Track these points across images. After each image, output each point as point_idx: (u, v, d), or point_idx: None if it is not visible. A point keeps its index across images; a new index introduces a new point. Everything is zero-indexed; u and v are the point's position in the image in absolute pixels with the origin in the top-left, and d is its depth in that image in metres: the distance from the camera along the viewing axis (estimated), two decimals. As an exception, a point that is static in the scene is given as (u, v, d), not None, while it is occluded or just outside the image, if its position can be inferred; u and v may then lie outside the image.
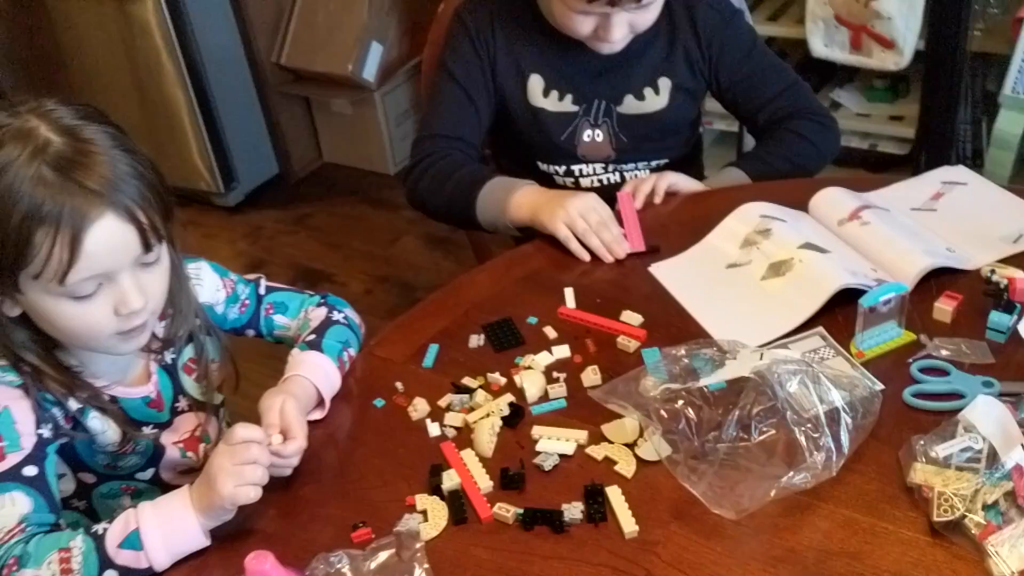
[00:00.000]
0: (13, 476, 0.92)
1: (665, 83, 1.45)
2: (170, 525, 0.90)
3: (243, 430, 0.91)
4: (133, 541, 0.88)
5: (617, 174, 1.50)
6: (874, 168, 2.39)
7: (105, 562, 0.88)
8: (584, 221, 1.25)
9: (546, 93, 1.45)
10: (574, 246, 1.25)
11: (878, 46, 2.16)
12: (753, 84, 1.46)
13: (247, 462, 0.89)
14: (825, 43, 2.23)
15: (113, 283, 0.92)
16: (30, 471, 0.93)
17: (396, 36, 2.91)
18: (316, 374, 1.04)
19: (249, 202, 2.97)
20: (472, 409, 1.05)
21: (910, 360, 1.03)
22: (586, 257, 1.25)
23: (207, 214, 2.92)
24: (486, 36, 1.44)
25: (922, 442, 0.89)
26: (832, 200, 1.24)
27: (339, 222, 2.87)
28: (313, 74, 2.91)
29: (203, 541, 0.91)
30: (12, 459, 0.93)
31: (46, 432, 0.96)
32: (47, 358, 0.98)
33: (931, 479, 0.87)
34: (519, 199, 1.31)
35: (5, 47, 3.08)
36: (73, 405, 0.99)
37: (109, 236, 0.89)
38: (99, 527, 0.90)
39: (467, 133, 1.44)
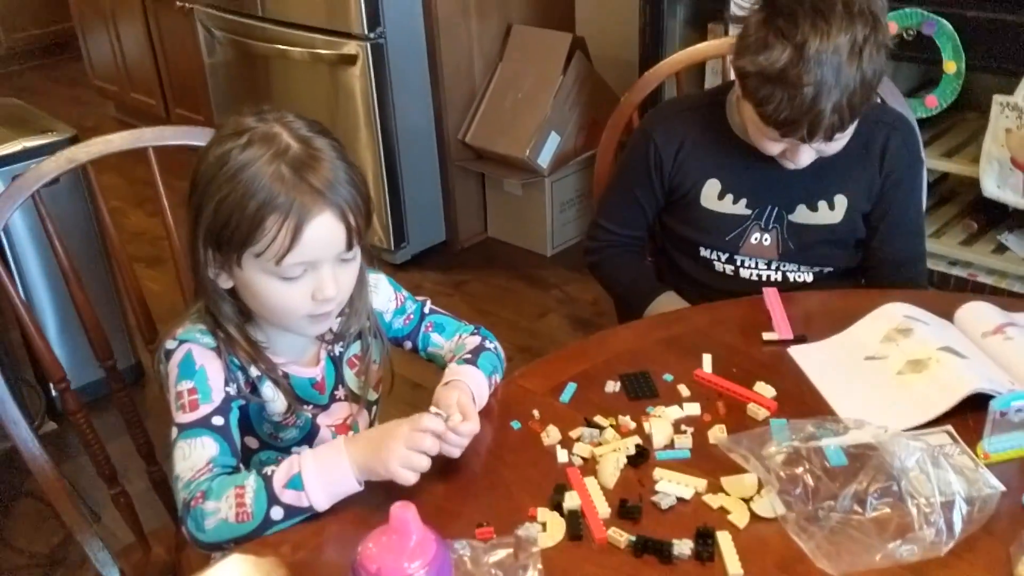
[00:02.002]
0: (205, 423, 1.08)
1: (842, 200, 1.50)
2: (328, 471, 1.02)
3: (429, 420, 1.03)
4: (296, 483, 1.01)
5: (779, 274, 1.55)
6: (1035, 316, 2.34)
7: (272, 499, 1.01)
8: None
9: (721, 196, 1.53)
10: None
11: (1052, 193, 2.15)
12: (891, 236, 1.53)
13: (420, 450, 1.01)
14: (998, 184, 2.23)
15: (316, 272, 1.07)
16: (218, 420, 1.08)
17: (573, 129, 3.08)
18: (473, 383, 1.16)
19: (415, 262, 3.17)
20: (600, 444, 1.12)
21: (1037, 469, 1.05)
22: None
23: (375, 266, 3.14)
24: (670, 153, 1.54)
25: (1036, 537, 0.91)
26: (979, 313, 1.27)
27: (493, 292, 3.02)
28: (492, 154, 3.11)
29: (356, 487, 1.03)
30: (205, 409, 1.08)
31: (232, 390, 1.12)
32: (241, 330, 1.13)
33: (1041, 575, 0.89)
34: None
35: (225, 95, 3.45)
36: (253, 372, 1.14)
37: (324, 230, 1.05)
38: (268, 469, 1.03)
39: (635, 228, 1.64)
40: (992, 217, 2.45)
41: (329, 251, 1.07)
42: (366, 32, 2.80)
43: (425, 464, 1.02)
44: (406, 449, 1.01)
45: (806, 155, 1.40)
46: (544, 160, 3.02)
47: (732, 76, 1.44)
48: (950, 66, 2.16)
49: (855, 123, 1.37)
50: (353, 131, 2.97)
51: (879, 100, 1.64)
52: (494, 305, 2.94)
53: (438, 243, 3.26)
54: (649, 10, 2.61)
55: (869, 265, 1.57)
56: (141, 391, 2.59)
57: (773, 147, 1.41)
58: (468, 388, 1.14)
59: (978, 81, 2.30)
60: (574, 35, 3.04)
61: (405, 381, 1.33)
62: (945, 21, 2.12)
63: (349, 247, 1.08)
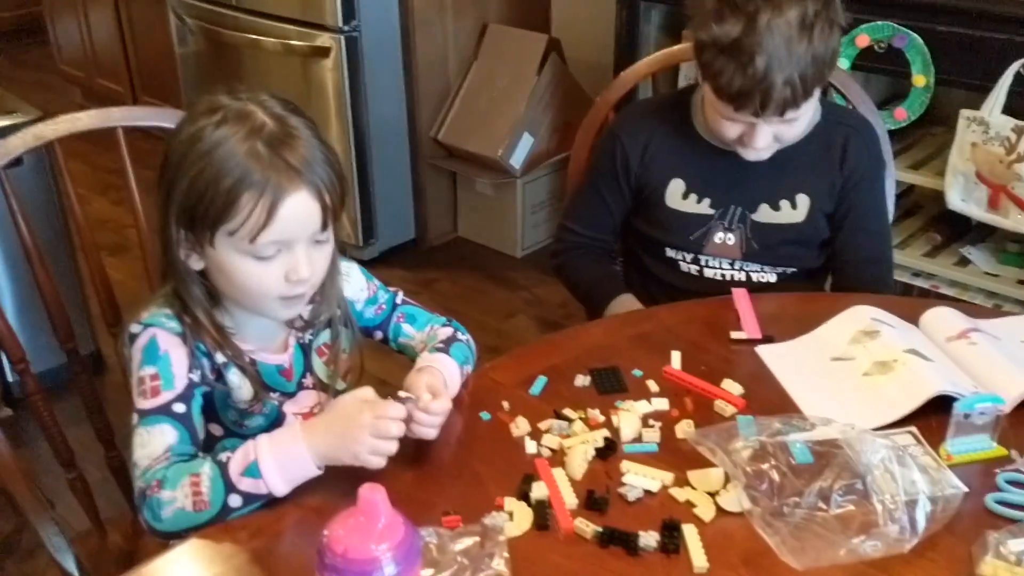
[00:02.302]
0: (165, 411, 1.06)
1: (804, 200, 1.52)
2: (284, 457, 1.01)
3: (394, 409, 1.02)
4: (253, 470, 0.99)
5: (743, 274, 1.57)
6: (995, 329, 2.38)
7: (230, 486, 0.99)
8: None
9: (685, 195, 1.54)
10: None
11: (1016, 208, 2.18)
12: (862, 239, 1.55)
13: (387, 437, 1.00)
14: (963, 198, 2.27)
15: (290, 252, 1.06)
16: (179, 408, 1.06)
17: (547, 132, 3.09)
18: (445, 370, 1.15)
19: (382, 259, 3.15)
20: (569, 436, 1.12)
21: (997, 471, 1.06)
22: None
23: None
24: (636, 153, 1.56)
25: (996, 535, 0.92)
26: (943, 318, 1.29)
27: (461, 291, 3.01)
28: (464, 153, 3.10)
29: (315, 471, 1.02)
30: (166, 396, 1.07)
31: (196, 377, 1.10)
32: (209, 315, 1.12)
33: (1000, 573, 0.90)
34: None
35: (196, 84, 3.41)
36: (220, 359, 1.12)
37: (300, 208, 1.04)
38: (223, 455, 1.01)
39: (601, 230, 1.65)
40: (956, 230, 2.49)
41: (304, 230, 1.06)
42: (340, 25, 2.79)
43: (393, 448, 1.02)
44: (373, 438, 1.00)
45: (763, 137, 1.41)
46: (517, 161, 3.02)
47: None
48: (919, 80, 2.19)
49: (810, 103, 1.39)
50: (324, 125, 2.94)
51: (849, 106, 1.67)
52: (462, 305, 2.93)
53: (407, 241, 3.25)
54: (625, 15, 2.63)
55: (834, 266, 1.60)
56: (101, 380, 2.55)
57: (731, 129, 1.43)
58: (440, 373, 1.13)
59: (946, 95, 2.33)
60: (550, 36, 3.04)
61: (371, 378, 1.30)
62: (916, 35, 2.15)
63: (324, 227, 1.07)
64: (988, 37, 2.06)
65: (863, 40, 2.22)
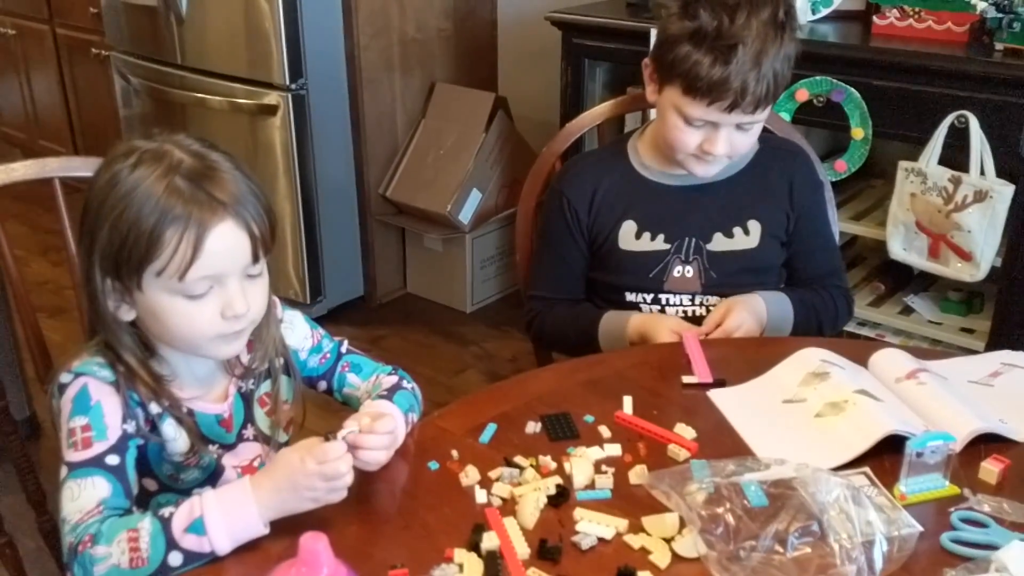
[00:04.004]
0: (97, 463, 1.01)
1: (755, 225, 1.55)
2: (233, 515, 0.96)
3: (334, 448, 0.99)
4: (198, 527, 0.95)
5: (703, 309, 1.57)
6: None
7: (171, 543, 0.94)
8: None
9: (638, 235, 1.55)
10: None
11: (955, 256, 2.23)
12: (815, 257, 1.62)
13: (338, 477, 0.98)
14: (904, 247, 2.31)
15: (223, 287, 1.03)
16: (112, 460, 1.02)
17: (495, 188, 3.10)
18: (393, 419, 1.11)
19: (331, 317, 3.11)
20: (520, 484, 1.09)
21: (951, 509, 1.05)
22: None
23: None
24: (583, 205, 1.57)
25: (953, 574, 0.91)
26: (891, 359, 1.29)
27: (411, 348, 2.98)
28: (413, 209, 3.10)
29: (263, 530, 0.97)
30: (98, 447, 1.02)
31: (130, 428, 1.05)
32: (143, 363, 1.08)
33: (960, 612, 0.88)
34: (632, 324, 1.51)
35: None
36: (154, 409, 1.08)
37: (227, 240, 1.02)
38: (166, 511, 0.96)
39: (568, 289, 1.64)
40: (899, 280, 2.53)
41: (234, 263, 1.03)
42: (287, 83, 2.79)
43: (349, 480, 1.00)
44: (324, 483, 0.97)
45: (723, 142, 1.43)
46: (465, 216, 3.03)
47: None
48: (858, 132, 2.25)
49: (767, 112, 1.43)
50: (272, 182, 2.93)
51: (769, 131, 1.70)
52: (412, 361, 2.89)
53: (356, 298, 3.22)
54: (570, 72, 2.66)
55: (796, 284, 1.63)
56: (36, 445, 2.46)
57: (691, 137, 1.44)
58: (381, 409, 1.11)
59: (884, 148, 2.39)
60: (496, 95, 3.07)
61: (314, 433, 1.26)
62: (853, 90, 2.21)
63: (255, 260, 1.05)
64: (923, 91, 2.12)
65: (802, 95, 2.27)
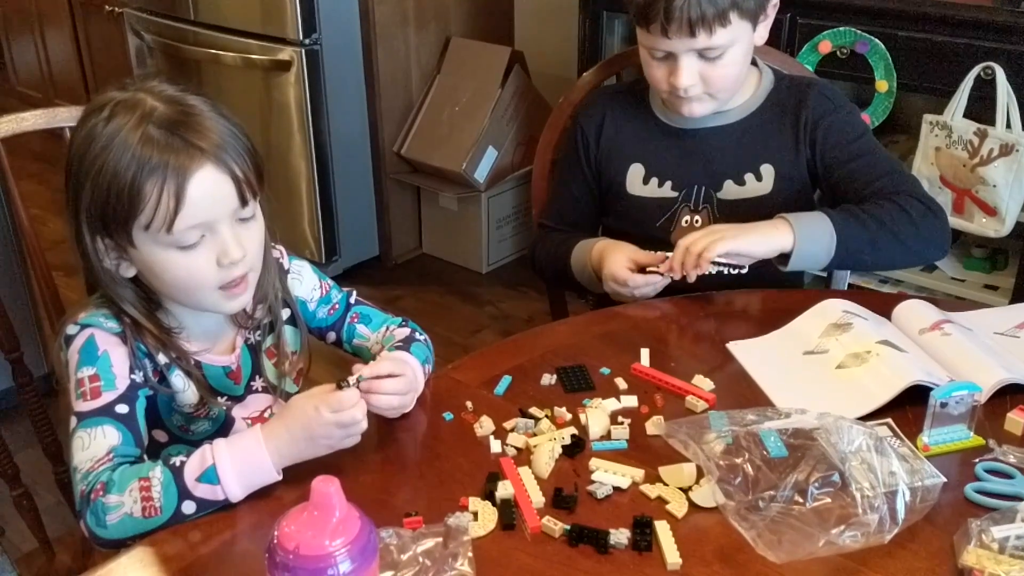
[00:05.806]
0: (106, 412, 1.00)
1: (768, 170, 1.48)
2: (245, 463, 0.96)
3: (348, 396, 0.98)
4: (211, 476, 0.94)
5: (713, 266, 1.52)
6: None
7: (184, 492, 0.94)
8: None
9: (646, 180, 1.52)
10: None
11: (980, 212, 2.19)
12: (860, 167, 1.44)
13: (352, 424, 0.98)
14: (927, 203, 2.27)
15: (215, 235, 1.01)
16: (122, 409, 1.01)
17: (511, 145, 3.06)
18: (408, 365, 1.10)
19: (346, 276, 3.10)
20: (535, 434, 1.08)
21: (976, 460, 1.03)
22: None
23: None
24: (595, 135, 1.55)
25: (978, 524, 0.89)
26: (915, 310, 1.27)
27: (426, 308, 2.97)
28: (428, 167, 3.07)
29: (276, 477, 0.97)
30: (107, 396, 1.01)
31: (138, 378, 1.04)
32: (149, 316, 1.07)
33: (983, 562, 0.86)
34: (595, 251, 1.45)
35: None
36: (162, 359, 1.07)
37: (210, 185, 0.99)
38: (177, 460, 0.96)
39: (569, 219, 1.61)
40: (921, 236, 2.49)
41: (221, 208, 1.01)
42: (301, 38, 2.75)
43: (364, 426, 1.00)
44: (340, 431, 0.97)
45: (686, 73, 1.37)
46: (481, 175, 2.99)
47: None
48: (882, 85, 2.20)
49: (728, 35, 1.35)
50: (286, 139, 2.90)
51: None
52: (427, 321, 2.82)
53: (371, 258, 3.20)
54: (588, 26, 2.62)
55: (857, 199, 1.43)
56: (55, 401, 2.46)
57: (657, 71, 1.41)
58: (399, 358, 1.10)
59: (909, 101, 2.34)
60: (513, 50, 3.03)
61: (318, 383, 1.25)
62: (878, 41, 2.15)
63: (244, 203, 1.03)
64: (949, 42, 2.07)
65: (825, 46, 2.22)
